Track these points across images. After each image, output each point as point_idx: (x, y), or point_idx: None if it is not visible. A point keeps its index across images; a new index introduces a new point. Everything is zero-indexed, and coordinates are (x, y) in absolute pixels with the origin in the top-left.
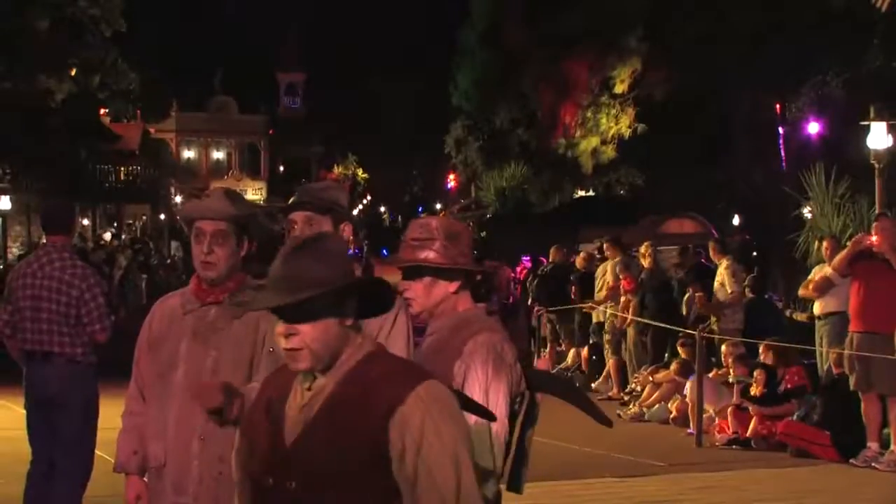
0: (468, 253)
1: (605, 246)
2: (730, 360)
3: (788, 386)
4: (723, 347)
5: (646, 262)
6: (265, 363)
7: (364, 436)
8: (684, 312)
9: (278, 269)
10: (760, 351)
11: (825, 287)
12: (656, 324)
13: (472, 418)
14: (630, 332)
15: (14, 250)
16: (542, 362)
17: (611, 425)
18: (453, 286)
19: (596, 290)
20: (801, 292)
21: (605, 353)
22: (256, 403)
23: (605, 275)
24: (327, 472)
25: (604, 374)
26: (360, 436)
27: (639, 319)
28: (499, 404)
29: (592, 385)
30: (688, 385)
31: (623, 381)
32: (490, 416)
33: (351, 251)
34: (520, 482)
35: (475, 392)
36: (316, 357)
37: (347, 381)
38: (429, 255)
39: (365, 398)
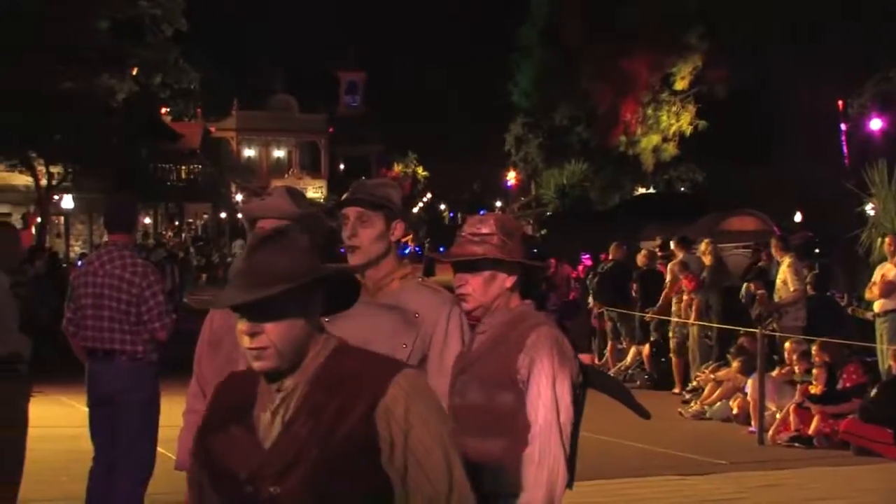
0: (522, 249)
1: (672, 245)
2: (794, 358)
3: (847, 384)
4: (786, 345)
5: (707, 260)
6: None
7: (349, 431)
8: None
9: (241, 264)
10: (814, 351)
11: (890, 290)
12: (717, 325)
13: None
14: (693, 330)
15: (76, 248)
16: (584, 358)
17: (649, 417)
18: (510, 281)
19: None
20: (867, 296)
21: (671, 349)
22: (213, 416)
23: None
24: (312, 471)
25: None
26: (344, 432)
27: (698, 323)
28: (564, 396)
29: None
30: (749, 383)
31: (685, 379)
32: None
33: (407, 249)
34: (572, 477)
35: (542, 383)
36: (282, 356)
37: (321, 378)
38: (489, 249)
39: (344, 393)
